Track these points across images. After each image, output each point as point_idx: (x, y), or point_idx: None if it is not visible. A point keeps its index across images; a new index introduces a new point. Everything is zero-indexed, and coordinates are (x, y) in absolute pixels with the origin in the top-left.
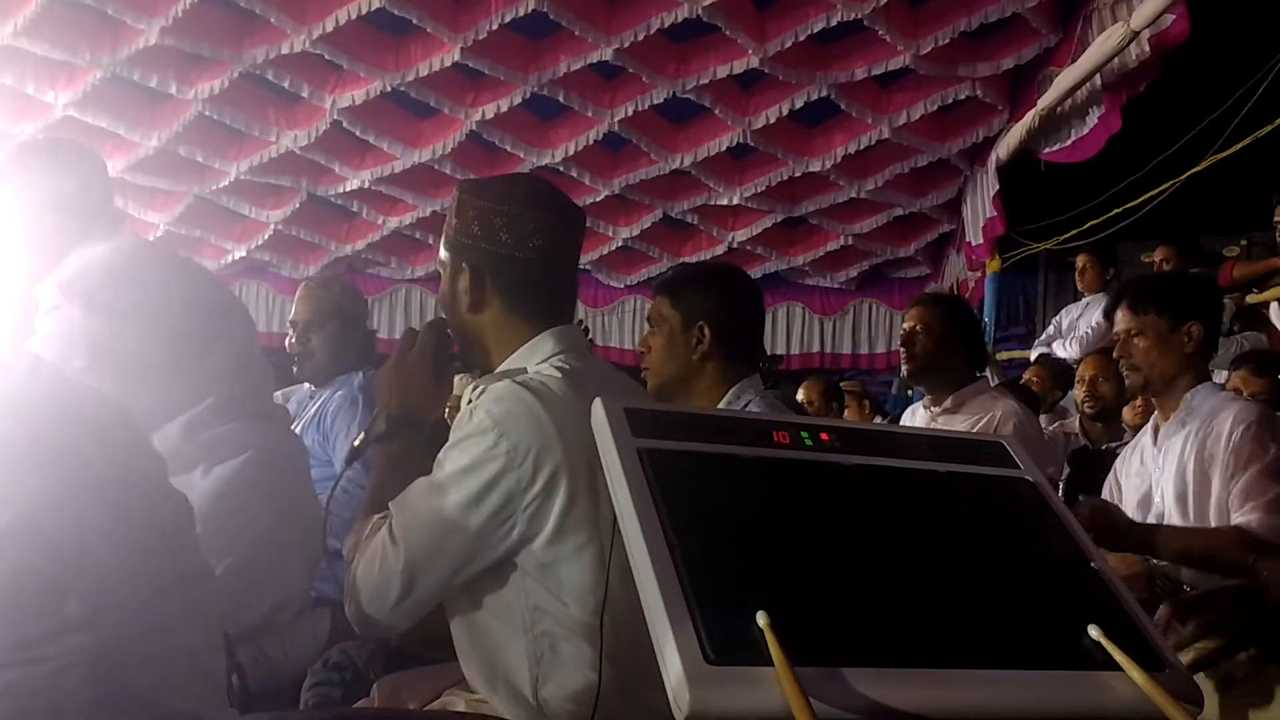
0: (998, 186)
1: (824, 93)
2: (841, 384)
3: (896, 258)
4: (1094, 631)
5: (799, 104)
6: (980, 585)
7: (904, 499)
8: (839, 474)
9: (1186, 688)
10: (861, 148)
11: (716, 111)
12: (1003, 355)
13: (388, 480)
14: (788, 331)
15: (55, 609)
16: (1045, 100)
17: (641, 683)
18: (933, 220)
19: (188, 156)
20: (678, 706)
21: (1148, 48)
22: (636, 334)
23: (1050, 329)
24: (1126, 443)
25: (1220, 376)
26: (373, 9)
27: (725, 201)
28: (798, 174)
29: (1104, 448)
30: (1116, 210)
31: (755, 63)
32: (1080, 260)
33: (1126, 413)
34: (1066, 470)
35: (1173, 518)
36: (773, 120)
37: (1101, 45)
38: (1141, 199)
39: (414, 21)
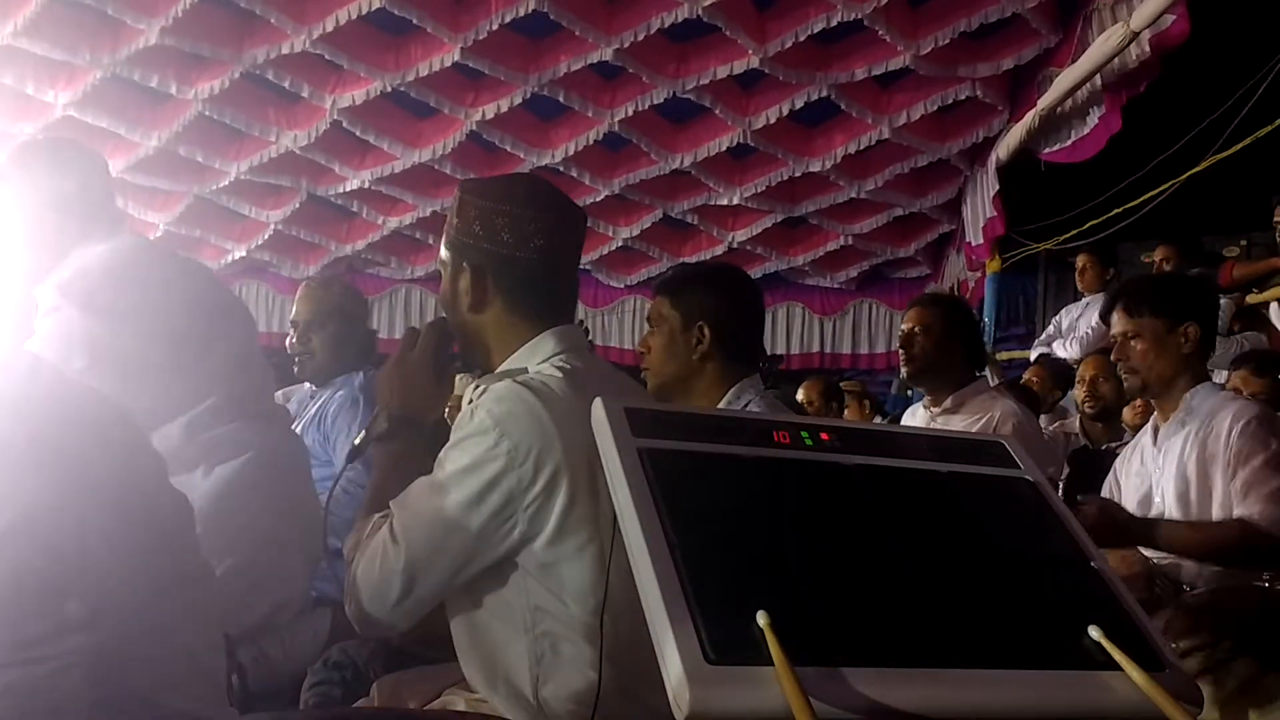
0: (998, 187)
1: (824, 93)
2: (841, 384)
3: (896, 258)
4: (1094, 632)
5: (799, 104)
6: (980, 585)
7: (904, 499)
8: (839, 474)
9: (1186, 688)
10: (861, 148)
11: (717, 112)
12: (1003, 355)
13: (388, 480)
14: (788, 331)
15: (55, 609)
16: (1045, 100)
17: (642, 683)
18: (933, 220)
19: (188, 156)
20: (678, 706)
21: (1148, 48)
22: (636, 334)
23: (1050, 329)
24: (1126, 443)
25: (1220, 377)
26: (373, 9)
27: (725, 201)
28: (798, 174)
29: (1104, 448)
30: (1116, 210)
31: (755, 63)
32: (1080, 260)
33: (1126, 413)
34: (1066, 470)
35: (1173, 517)
36: (773, 120)
37: (1101, 45)
38: (1141, 199)
39: (414, 21)
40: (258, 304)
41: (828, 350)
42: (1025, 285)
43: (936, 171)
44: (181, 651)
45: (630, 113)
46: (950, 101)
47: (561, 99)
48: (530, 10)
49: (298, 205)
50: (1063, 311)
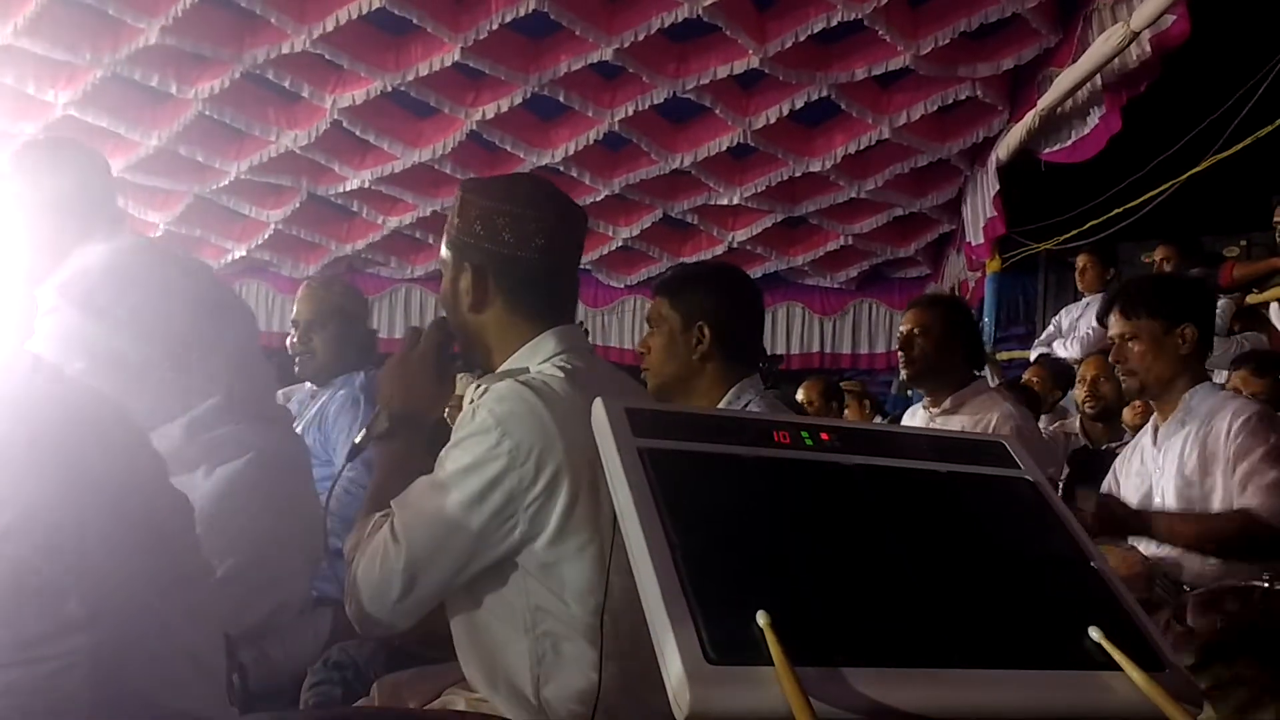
0: (998, 186)
1: (824, 93)
2: (841, 384)
3: (896, 258)
4: (1094, 632)
5: (799, 104)
6: (980, 585)
7: (904, 499)
8: (839, 474)
9: (1186, 688)
10: (861, 148)
11: (717, 111)
12: (1003, 355)
13: (389, 479)
14: (788, 331)
15: (55, 609)
16: (1045, 100)
17: (643, 682)
18: (933, 220)
19: (188, 156)
20: (678, 706)
21: (1148, 48)
22: (636, 334)
23: (1050, 328)
24: (1126, 443)
25: (1220, 377)
26: (373, 9)
27: (725, 201)
28: (798, 174)
29: (1104, 448)
30: (1117, 210)
31: (755, 63)
32: (1080, 260)
33: (1126, 414)
34: (1066, 470)
35: None
36: (773, 120)
37: (1102, 45)
38: (1142, 199)
39: (414, 21)
40: (258, 303)
41: (828, 350)
42: (1025, 285)
43: (936, 171)
44: (182, 652)
45: (630, 112)
46: (950, 101)
47: (562, 99)
48: (530, 10)
49: (298, 205)
50: (1063, 311)
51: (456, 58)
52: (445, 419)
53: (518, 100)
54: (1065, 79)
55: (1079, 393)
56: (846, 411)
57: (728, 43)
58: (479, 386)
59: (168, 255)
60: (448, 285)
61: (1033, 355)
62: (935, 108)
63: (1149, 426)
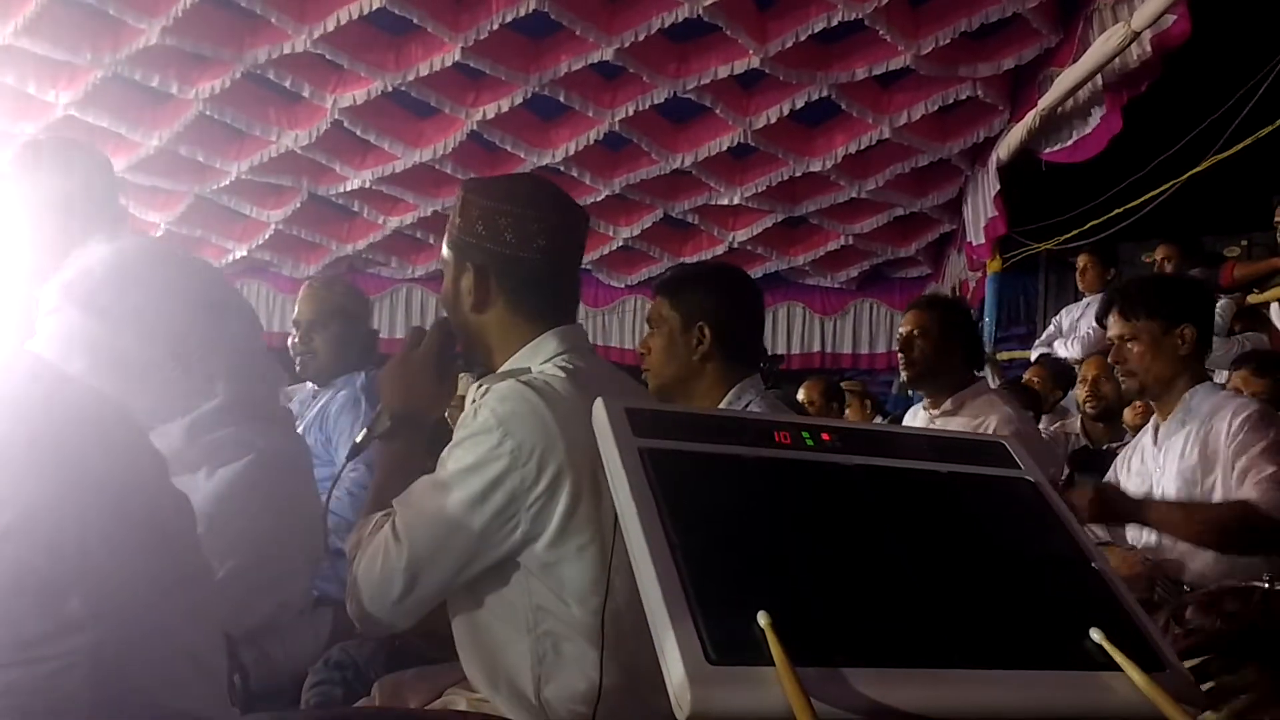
0: (999, 186)
1: (825, 93)
2: (842, 384)
3: (897, 258)
4: (1094, 632)
5: (800, 104)
6: (981, 585)
7: (905, 499)
8: (840, 474)
9: (1186, 688)
10: (862, 148)
11: (717, 111)
12: (1003, 355)
13: (390, 479)
14: (788, 331)
15: (56, 609)
16: (1046, 100)
17: (644, 683)
18: (933, 220)
19: (189, 156)
20: (679, 706)
21: (1149, 48)
22: (637, 334)
23: (1051, 328)
24: (1127, 443)
25: (1221, 377)
26: (373, 9)
27: (726, 201)
28: (798, 174)
29: (1104, 448)
30: (1117, 210)
31: (756, 63)
32: (1081, 260)
33: (1127, 414)
34: (1067, 471)
35: None
36: (773, 120)
37: (1102, 45)
38: (1142, 199)
39: (415, 21)
40: (259, 303)
41: (828, 350)
42: (1026, 285)
43: (937, 171)
44: (183, 652)
45: (631, 112)
46: (951, 101)
47: (562, 99)
48: (531, 10)
49: (299, 205)
50: (1063, 311)
51: (457, 58)
52: (446, 419)
53: (518, 100)
54: (1066, 79)
55: (1080, 393)
56: (847, 411)
57: (728, 43)
58: (481, 386)
59: (170, 255)
60: (449, 285)
61: (1033, 355)
62: (936, 107)
63: (1149, 426)
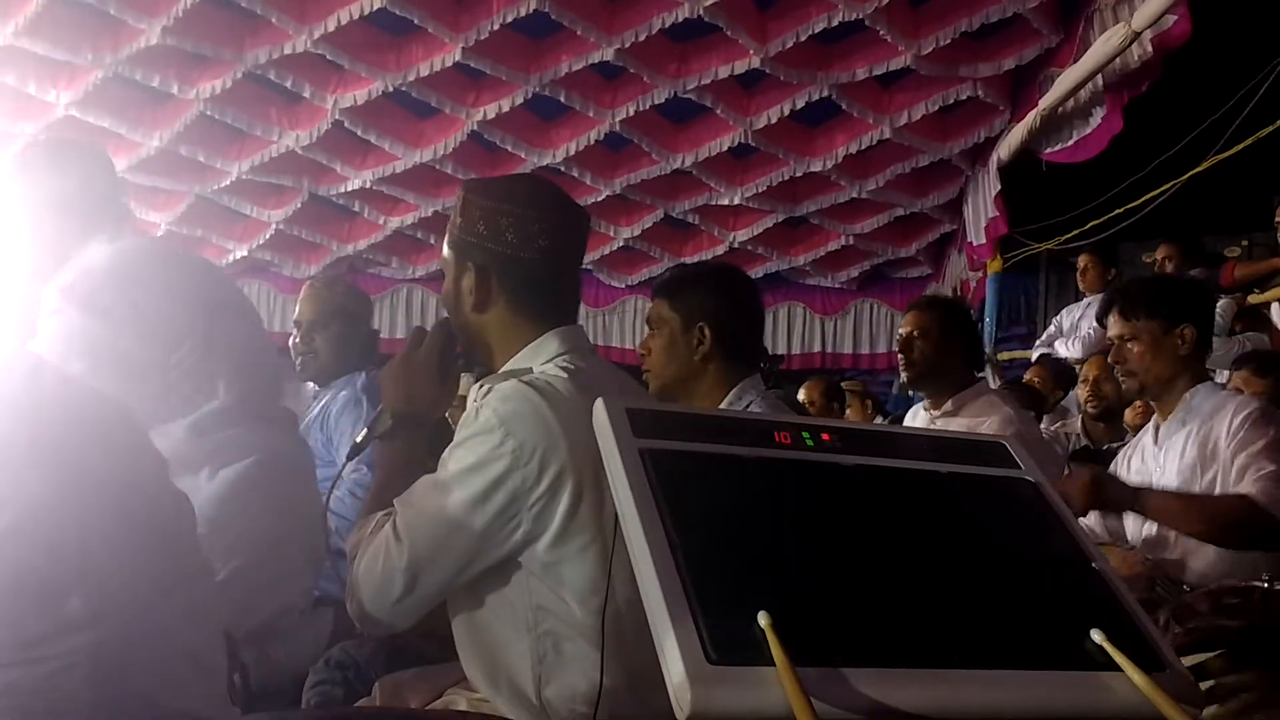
0: (999, 186)
1: (825, 93)
2: (843, 384)
3: (898, 258)
4: (1095, 632)
5: (800, 104)
6: (981, 585)
7: (905, 499)
8: (840, 474)
9: (1187, 688)
10: (863, 148)
11: (718, 111)
12: (1004, 355)
13: (391, 479)
14: (789, 331)
15: (56, 609)
16: (1047, 100)
17: (645, 682)
18: (934, 220)
19: (189, 156)
20: (679, 706)
21: (1149, 48)
22: (637, 334)
23: (1051, 328)
24: (1128, 443)
25: (1222, 377)
26: (374, 9)
27: (726, 201)
28: (799, 174)
29: (1105, 448)
30: (1118, 210)
31: (756, 63)
32: (1082, 260)
33: (1128, 414)
34: (1068, 471)
35: None
36: (774, 120)
37: (1103, 45)
38: (1143, 199)
39: (415, 22)
40: (259, 303)
41: (829, 350)
42: (1027, 285)
43: (938, 171)
44: (183, 652)
45: (631, 112)
46: (951, 101)
47: (563, 99)
48: (531, 10)
49: (299, 205)
50: (1064, 311)
51: (457, 58)
52: (447, 419)
53: (519, 100)
54: (1066, 79)
55: (1081, 393)
56: (848, 411)
57: (729, 43)
58: (482, 387)
59: (171, 255)
60: (450, 285)
61: (1034, 355)
62: (936, 107)
63: (1150, 426)
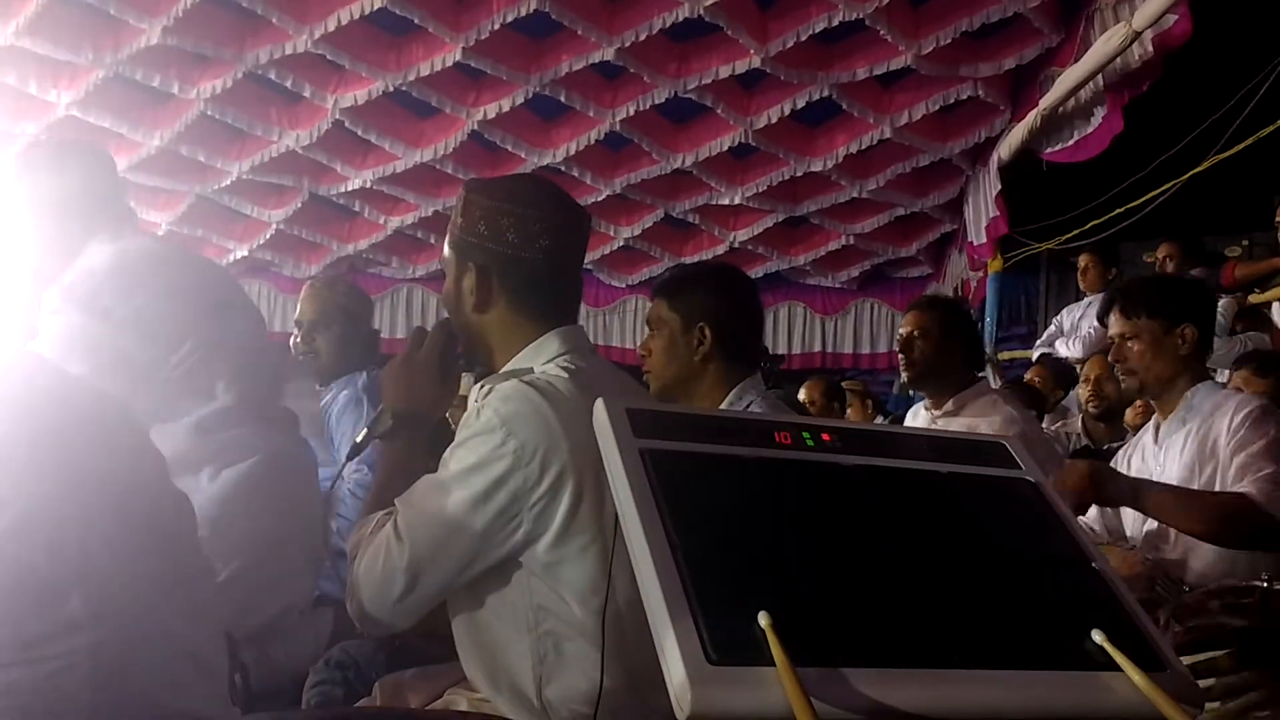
0: (1000, 186)
1: (825, 92)
2: (844, 383)
3: (898, 257)
4: (1095, 633)
5: (800, 104)
6: (981, 586)
7: (905, 500)
8: (840, 475)
9: (1187, 689)
10: (863, 147)
11: (718, 111)
12: (1004, 355)
13: (392, 478)
14: (789, 331)
15: (57, 609)
16: (1047, 100)
17: (645, 683)
18: (934, 220)
19: (190, 156)
20: (679, 706)
21: (1150, 48)
22: (638, 334)
23: (1052, 328)
24: (1129, 442)
25: (1222, 377)
26: (374, 9)
27: (727, 201)
28: (799, 174)
29: (1105, 447)
30: (1118, 210)
31: (757, 62)
32: (1082, 260)
33: (1128, 414)
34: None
35: None
36: (774, 120)
37: (1104, 45)
38: (1144, 199)
39: (415, 21)
40: (260, 303)
41: (829, 350)
42: (1027, 285)
43: (938, 171)
44: (184, 652)
45: (632, 112)
46: (952, 101)
47: (563, 98)
48: (531, 10)
49: (299, 205)
50: (1064, 311)
51: (458, 58)
52: (448, 419)
53: (519, 100)
54: (1067, 78)
55: (1082, 392)
56: (849, 411)
57: (729, 42)
58: (483, 387)
59: (173, 255)
60: (451, 285)
61: (1034, 355)
62: (937, 107)
63: (1150, 425)
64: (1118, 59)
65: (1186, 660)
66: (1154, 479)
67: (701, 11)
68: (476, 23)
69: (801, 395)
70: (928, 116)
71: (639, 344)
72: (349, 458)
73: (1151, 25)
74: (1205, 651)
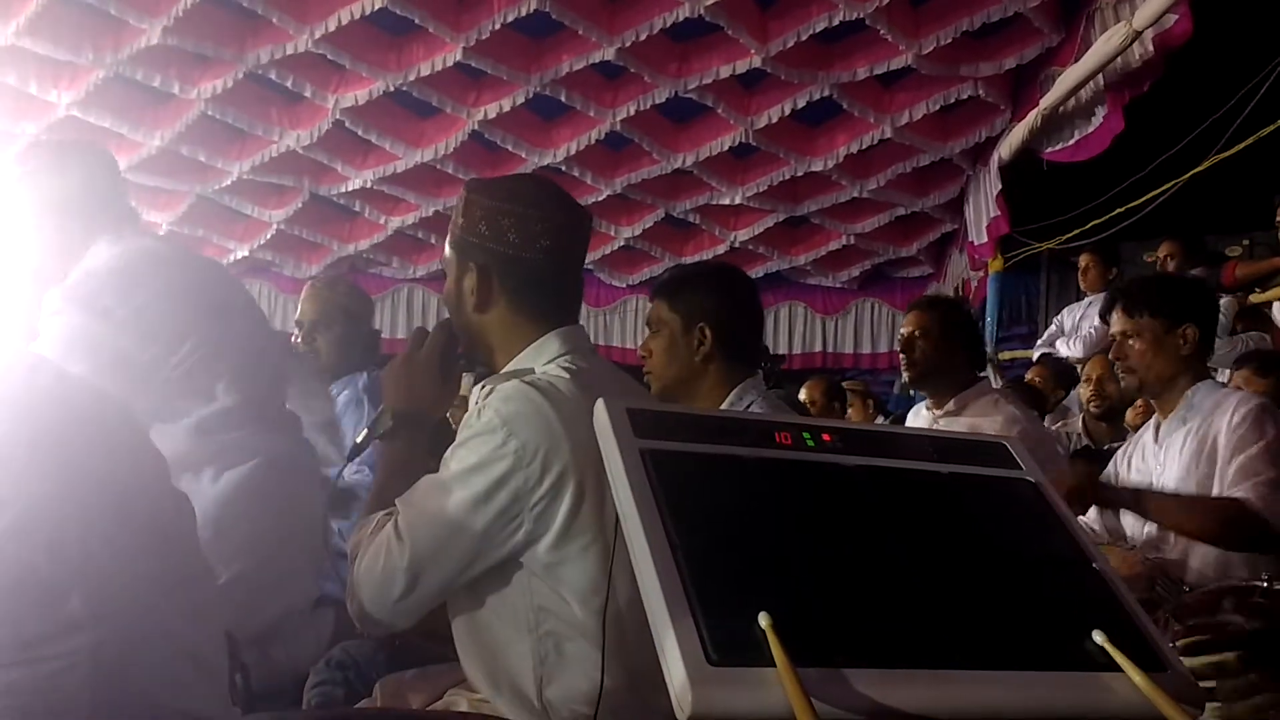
0: (1000, 186)
1: (826, 92)
2: (844, 383)
3: (899, 257)
4: (1095, 633)
5: (801, 103)
6: (981, 586)
7: (905, 500)
8: (841, 475)
9: (1187, 689)
10: (863, 147)
11: (719, 111)
12: (1005, 355)
13: (392, 479)
14: (790, 331)
15: (56, 609)
16: (1048, 100)
17: (646, 683)
18: (935, 220)
19: (190, 156)
20: (680, 707)
21: (1151, 47)
22: (638, 334)
23: (1052, 328)
24: (1129, 440)
25: (1223, 376)
26: (375, 9)
27: (727, 201)
28: (800, 173)
29: (1105, 447)
30: (1119, 210)
31: (757, 62)
32: (1083, 260)
33: (1129, 414)
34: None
35: None
36: (775, 120)
37: (1104, 45)
38: (1144, 198)
39: (416, 21)
40: (260, 304)
41: (830, 350)
42: (1028, 285)
43: (939, 171)
44: (184, 652)
45: (632, 112)
46: (952, 101)
47: (563, 98)
48: (532, 10)
49: (300, 205)
50: (1065, 311)
51: (458, 58)
52: (448, 419)
53: (519, 100)
54: (1067, 78)
55: (1084, 392)
56: (850, 411)
57: (729, 42)
58: (484, 387)
59: (174, 256)
60: (452, 285)
61: (1035, 355)
62: (937, 107)
63: (1150, 424)
64: (1118, 58)
65: (1195, 662)
66: (1154, 477)
67: (702, 11)
68: (477, 23)
69: (802, 395)
70: (928, 116)
71: (639, 344)
72: (349, 458)
73: (1152, 25)
74: (1209, 652)
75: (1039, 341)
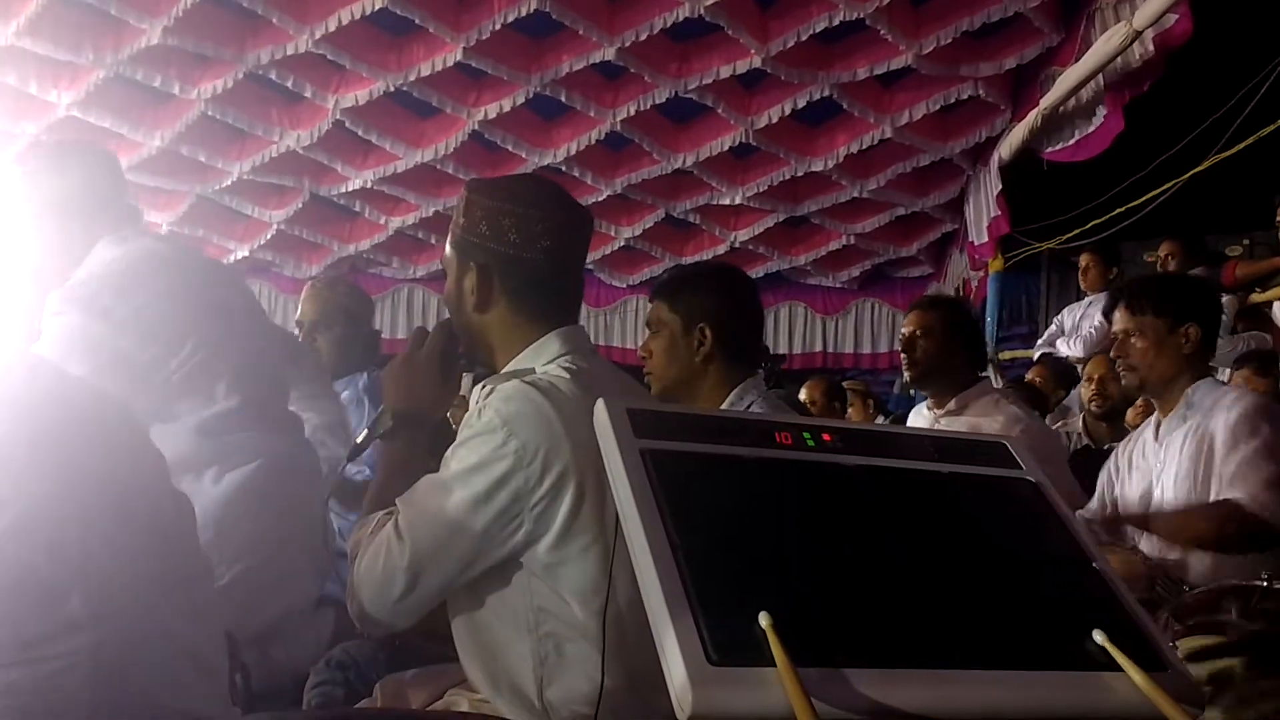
0: (1000, 186)
1: (826, 92)
2: (845, 383)
3: (899, 257)
4: (1096, 633)
5: (801, 103)
6: (982, 586)
7: (906, 500)
8: (841, 475)
9: (1187, 689)
10: (864, 147)
11: (719, 111)
12: (1005, 355)
13: (392, 478)
14: (790, 331)
15: (57, 609)
16: (1048, 100)
17: (646, 683)
18: (935, 220)
19: (190, 156)
20: (680, 707)
21: (1151, 47)
22: (639, 334)
23: (1053, 328)
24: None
25: (1223, 375)
26: (375, 9)
27: (727, 201)
28: (800, 173)
29: (1106, 447)
30: (1119, 209)
31: (757, 62)
32: (1083, 259)
33: (1130, 414)
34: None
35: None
36: (775, 120)
37: (1104, 45)
38: (1144, 198)
39: (416, 21)
40: (261, 303)
41: (830, 350)
42: (1028, 284)
43: (939, 171)
44: (184, 652)
45: (632, 112)
46: (952, 101)
47: (563, 98)
48: (532, 10)
49: (300, 205)
50: (1065, 310)
51: (458, 58)
52: (448, 420)
53: (520, 100)
54: (1068, 78)
55: (1086, 392)
56: (850, 411)
57: (730, 42)
58: (485, 387)
59: (176, 256)
60: (452, 285)
61: (1035, 355)
62: (937, 107)
63: (1150, 422)
64: (1118, 58)
65: (1198, 669)
66: (1155, 476)
67: (702, 11)
68: (477, 23)
69: (802, 395)
70: (928, 116)
71: (639, 344)
72: (349, 458)
73: (1152, 25)
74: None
75: (1039, 341)
